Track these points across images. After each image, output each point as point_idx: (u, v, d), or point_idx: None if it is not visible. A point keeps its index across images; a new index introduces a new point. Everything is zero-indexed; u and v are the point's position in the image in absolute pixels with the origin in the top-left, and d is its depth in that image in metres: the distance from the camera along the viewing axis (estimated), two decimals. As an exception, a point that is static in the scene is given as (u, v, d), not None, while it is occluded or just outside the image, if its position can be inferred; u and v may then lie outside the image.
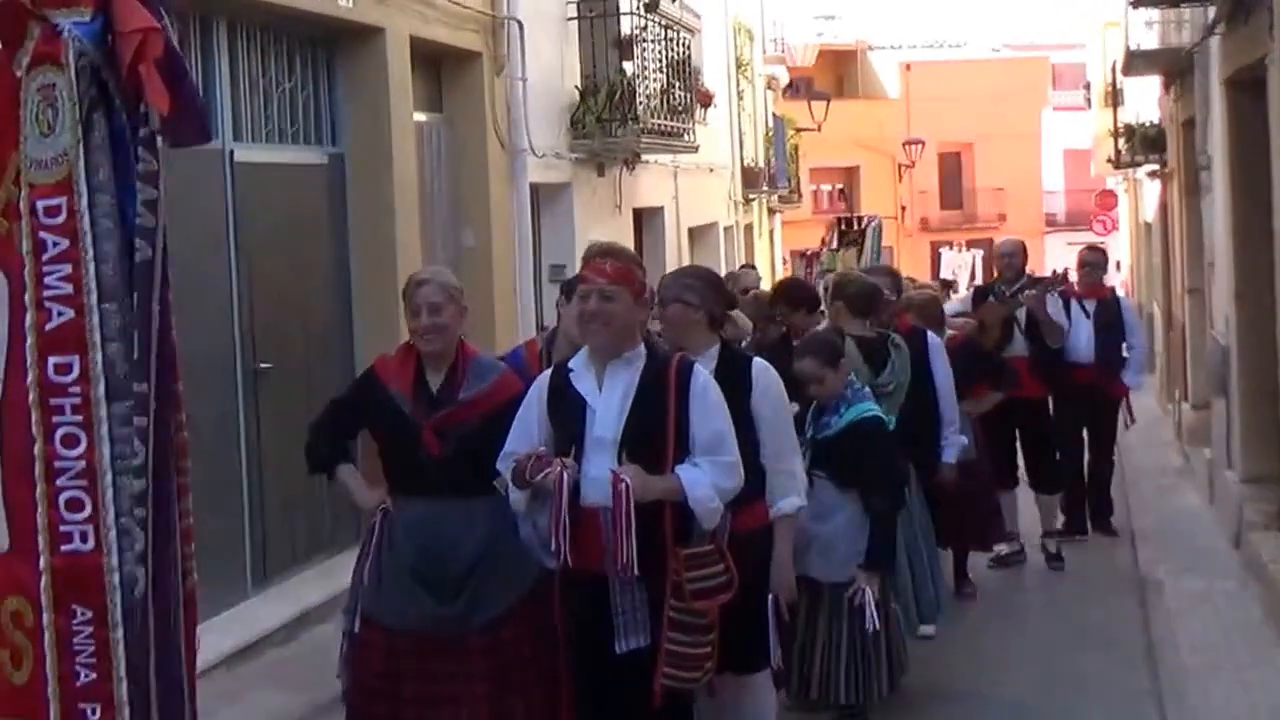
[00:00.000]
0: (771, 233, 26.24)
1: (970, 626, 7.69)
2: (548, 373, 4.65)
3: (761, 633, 5.00)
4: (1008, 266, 9.77)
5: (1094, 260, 10.13)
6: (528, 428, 4.51)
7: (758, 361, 5.09)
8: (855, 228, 16.22)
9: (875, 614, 5.51)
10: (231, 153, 7.63)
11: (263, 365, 7.81)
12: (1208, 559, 8.96)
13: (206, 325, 7.34)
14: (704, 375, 4.47)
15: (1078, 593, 8.70)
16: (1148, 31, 14.66)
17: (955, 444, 7.37)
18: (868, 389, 5.83)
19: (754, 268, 15.63)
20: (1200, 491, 11.13)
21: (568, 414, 4.42)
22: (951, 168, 44.29)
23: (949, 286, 24.17)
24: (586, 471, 4.29)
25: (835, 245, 15.80)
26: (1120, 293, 11.01)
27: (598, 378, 4.42)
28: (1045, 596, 8.67)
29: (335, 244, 8.85)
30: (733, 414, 4.77)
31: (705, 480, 4.30)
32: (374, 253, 8.93)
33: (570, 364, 4.52)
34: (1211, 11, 9.48)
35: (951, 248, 33.98)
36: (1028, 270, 9.87)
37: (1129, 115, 19.77)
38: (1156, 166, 17.65)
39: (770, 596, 5.01)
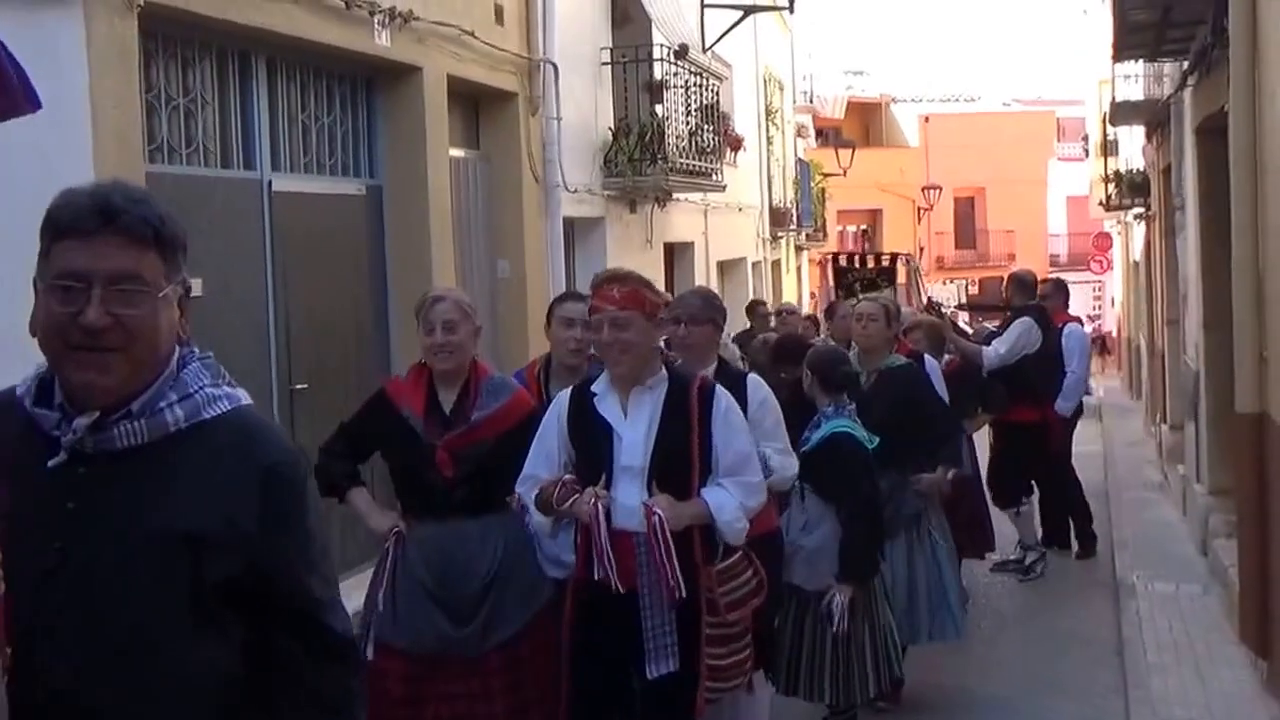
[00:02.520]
0: (799, 269, 26.08)
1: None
2: (567, 393, 4.30)
3: (760, 635, 4.78)
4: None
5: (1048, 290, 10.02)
6: (549, 450, 4.20)
7: (752, 377, 4.98)
8: (859, 266, 15.55)
9: (845, 623, 5.30)
10: (270, 182, 7.46)
11: (299, 386, 7.59)
12: (1177, 565, 8.93)
13: (245, 345, 7.21)
14: (726, 397, 4.21)
15: (1059, 597, 8.70)
16: (1133, 85, 14.61)
17: None
18: (852, 406, 5.62)
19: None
20: (1175, 505, 11.13)
21: (594, 440, 4.12)
22: (965, 211, 44.24)
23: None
24: (616, 498, 4.03)
25: (836, 287, 15.07)
26: (1080, 323, 10.65)
27: (622, 404, 4.13)
28: (1029, 600, 8.62)
29: (373, 271, 8.61)
30: None
31: (732, 503, 4.07)
32: (410, 281, 8.61)
33: (593, 388, 4.20)
34: (1186, 64, 9.40)
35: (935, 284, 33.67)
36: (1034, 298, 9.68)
37: (1120, 164, 19.77)
38: (1142, 210, 17.57)
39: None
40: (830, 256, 16.59)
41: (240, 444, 2.03)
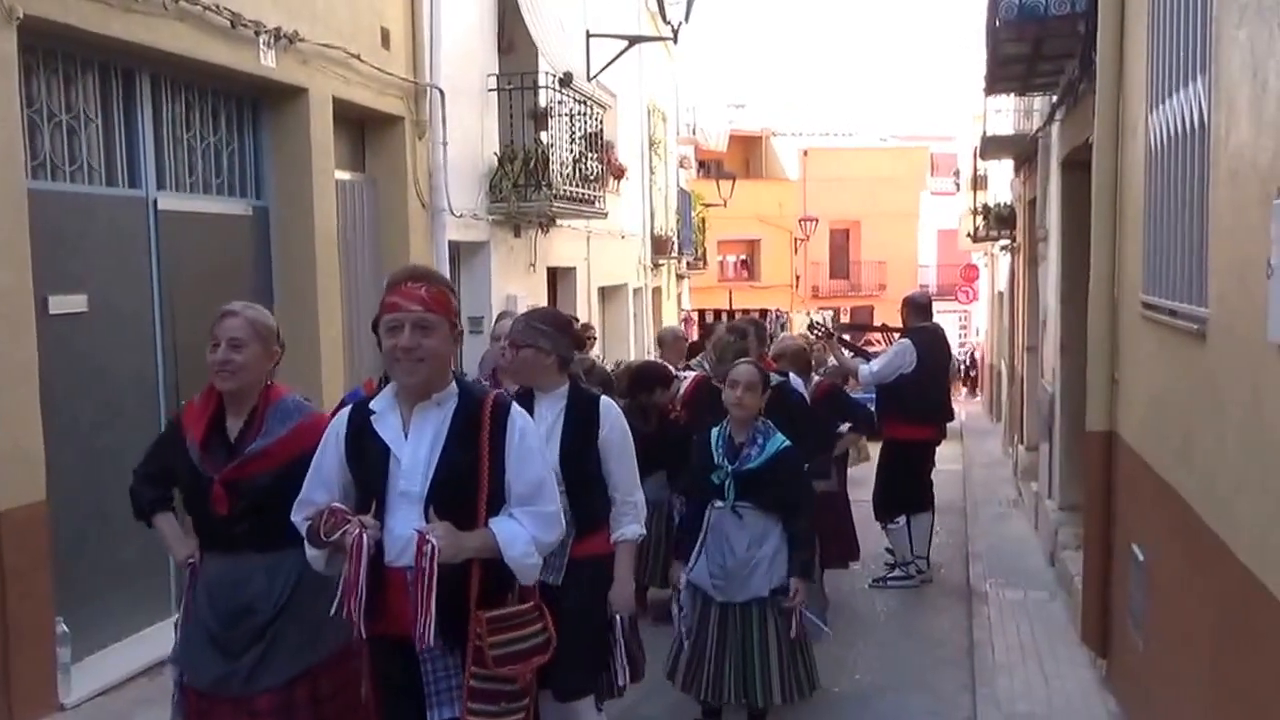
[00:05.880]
0: (679, 296, 26.29)
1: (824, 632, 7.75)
2: (346, 411, 3.68)
3: (591, 659, 4.74)
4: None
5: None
6: (325, 475, 3.62)
7: (604, 399, 4.90)
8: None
9: (804, 618, 5.53)
10: (155, 201, 7.38)
11: (185, 401, 7.53)
12: (1027, 574, 9.21)
13: (132, 362, 7.16)
14: (521, 417, 3.60)
15: (916, 603, 8.89)
16: (1004, 119, 14.97)
17: None
18: (773, 423, 5.68)
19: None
20: (1028, 519, 11.42)
21: (369, 463, 3.52)
22: (840, 242, 44.94)
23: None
24: (391, 528, 3.43)
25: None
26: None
27: (404, 421, 3.52)
28: (888, 606, 8.79)
29: (259, 291, 8.49)
30: (582, 448, 4.70)
31: (524, 535, 3.48)
32: (295, 301, 8.66)
33: (373, 404, 3.59)
34: (1054, 98, 9.70)
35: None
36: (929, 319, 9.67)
37: (989, 198, 20.21)
38: (1008, 242, 17.99)
39: (617, 619, 4.80)
40: (698, 312, 16.53)
41: None
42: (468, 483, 3.46)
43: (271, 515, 3.80)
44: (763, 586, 5.50)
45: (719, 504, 5.52)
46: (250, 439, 3.96)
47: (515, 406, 3.64)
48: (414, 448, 3.48)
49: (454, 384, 3.58)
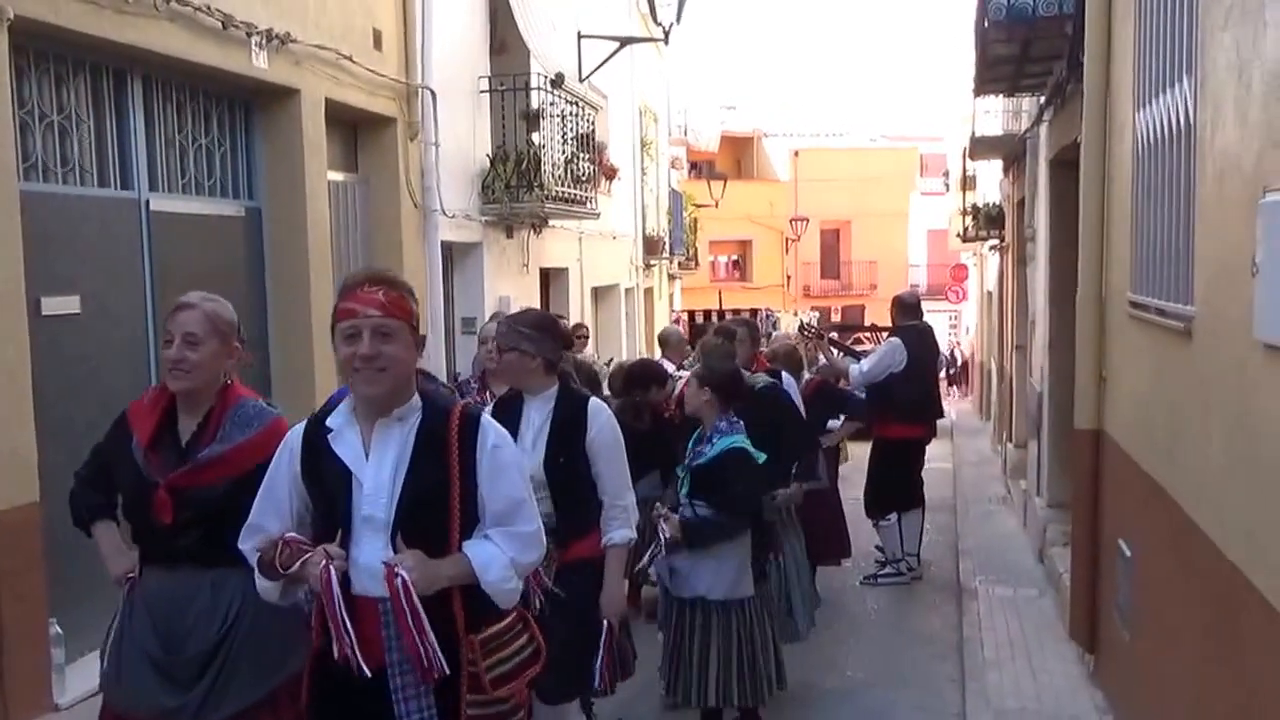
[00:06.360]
0: (671, 296, 26.31)
1: (815, 629, 7.72)
2: (300, 428, 3.35)
3: (579, 663, 4.70)
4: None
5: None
6: (276, 497, 3.30)
7: (594, 400, 4.84)
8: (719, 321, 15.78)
9: (663, 535, 5.35)
10: (147, 202, 7.36)
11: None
12: (1016, 571, 9.24)
13: (125, 364, 7.12)
14: (493, 430, 3.27)
15: (906, 600, 8.94)
16: (993, 120, 14.99)
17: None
18: (742, 423, 5.62)
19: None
20: (1017, 516, 11.46)
21: (328, 486, 3.20)
22: (831, 242, 45.06)
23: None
24: (355, 558, 3.13)
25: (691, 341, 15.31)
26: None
27: (364, 439, 3.21)
28: (879, 603, 8.83)
29: (253, 292, 8.49)
30: (571, 450, 4.66)
31: (501, 558, 3.19)
32: (288, 302, 8.64)
33: (329, 421, 3.28)
34: (1042, 99, 9.73)
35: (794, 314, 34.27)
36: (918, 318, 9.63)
37: (978, 198, 20.26)
38: (997, 241, 18.02)
39: (605, 624, 4.77)
40: (688, 313, 16.71)
41: None
42: (437, 505, 3.17)
43: (220, 528, 3.49)
44: (701, 586, 5.45)
45: (681, 500, 5.53)
46: (204, 443, 3.63)
47: (485, 418, 3.31)
48: (376, 469, 3.17)
49: (416, 397, 3.26)
